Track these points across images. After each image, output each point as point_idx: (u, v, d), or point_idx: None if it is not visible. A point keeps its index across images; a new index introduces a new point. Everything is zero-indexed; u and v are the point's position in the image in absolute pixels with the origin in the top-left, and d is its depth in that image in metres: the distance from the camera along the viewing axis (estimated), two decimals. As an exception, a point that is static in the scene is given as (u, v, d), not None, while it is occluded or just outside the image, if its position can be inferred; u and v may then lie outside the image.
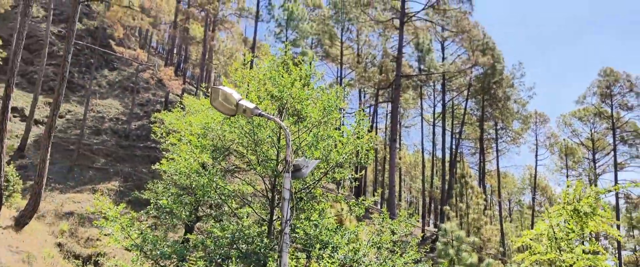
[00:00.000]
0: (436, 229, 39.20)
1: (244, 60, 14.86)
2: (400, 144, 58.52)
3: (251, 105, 5.96)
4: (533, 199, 53.99)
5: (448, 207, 32.47)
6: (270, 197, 11.85)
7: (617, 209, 45.86)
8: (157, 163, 13.43)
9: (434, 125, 51.38)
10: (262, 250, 10.57)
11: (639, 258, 47.19)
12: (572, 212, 5.09)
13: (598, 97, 47.79)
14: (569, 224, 5.25)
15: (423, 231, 40.06)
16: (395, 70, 38.08)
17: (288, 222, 5.53)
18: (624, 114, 47.46)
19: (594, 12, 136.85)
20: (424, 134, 55.09)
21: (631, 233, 50.04)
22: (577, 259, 5.20)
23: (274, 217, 11.47)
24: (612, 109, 47.16)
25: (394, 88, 38.53)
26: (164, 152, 15.96)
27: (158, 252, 10.68)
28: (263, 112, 6.12)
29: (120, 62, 41.85)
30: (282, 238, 5.53)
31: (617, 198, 45.93)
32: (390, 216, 13.78)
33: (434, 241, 32.73)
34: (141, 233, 10.89)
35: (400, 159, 55.01)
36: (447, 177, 44.49)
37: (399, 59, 38.00)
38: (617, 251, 45.06)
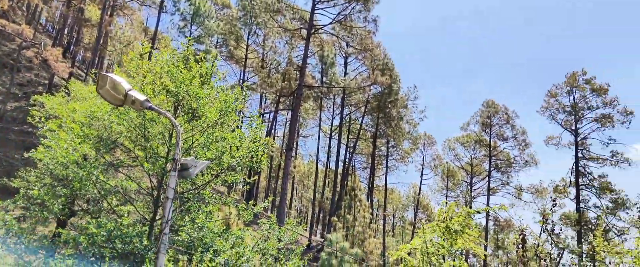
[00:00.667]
0: (323, 239, 39.94)
1: (142, 50, 14.19)
2: (296, 152, 59.13)
3: (141, 97, 5.68)
4: (415, 215, 57.10)
5: (336, 218, 33.22)
6: (155, 196, 11.38)
7: (486, 230, 49.88)
8: (33, 150, 12.36)
9: (330, 138, 52.58)
10: (140, 251, 10.09)
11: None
12: (444, 229, 5.45)
13: (480, 125, 51.85)
14: (441, 240, 5.60)
15: (310, 240, 40.63)
16: (298, 80, 38.52)
17: (169, 222, 5.33)
18: (500, 144, 51.91)
19: (479, 54, 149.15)
20: (320, 145, 56.17)
21: (496, 253, 54.58)
22: (446, 274, 5.55)
23: (157, 217, 11.01)
24: (490, 138, 51.34)
25: (295, 97, 38.92)
26: (42, 139, 14.72)
27: (23, 246, 9.80)
28: (154, 106, 5.86)
29: (1, 36, 38.12)
30: (161, 239, 5.31)
31: (487, 220, 49.95)
32: (279, 223, 13.82)
33: (320, 250, 33.33)
34: (4, 224, 9.93)
35: (294, 167, 55.57)
36: (338, 189, 45.64)
37: (302, 69, 38.49)
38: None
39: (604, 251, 6.40)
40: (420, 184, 55.83)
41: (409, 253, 5.79)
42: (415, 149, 55.11)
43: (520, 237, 6.85)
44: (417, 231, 5.79)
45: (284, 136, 56.58)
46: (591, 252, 6.46)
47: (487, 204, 49.56)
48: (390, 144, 51.99)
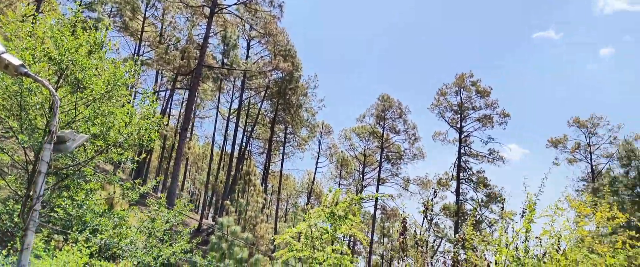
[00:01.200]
0: (214, 223, 39.37)
1: (25, 12, 12.95)
2: (191, 134, 57.57)
3: (16, 62, 5.19)
4: (307, 202, 58.15)
5: (229, 202, 32.87)
6: (30, 171, 10.51)
7: (374, 218, 52.19)
8: None
9: (228, 121, 51.81)
10: (10, 229, 9.30)
11: (384, 261, 54.25)
12: (329, 215, 5.61)
13: (374, 118, 53.87)
14: (325, 225, 5.77)
15: (200, 223, 39.91)
16: (198, 59, 37.41)
17: (40, 198, 4.95)
18: (392, 136, 54.38)
19: (380, 46, 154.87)
20: (218, 127, 55.29)
21: (382, 240, 57.31)
22: (327, 258, 5.73)
23: (31, 193, 10.18)
24: (383, 131, 53.57)
25: (194, 76, 37.78)
26: None
27: None
28: (30, 73, 5.38)
29: None
30: (30, 216, 4.92)
31: (376, 209, 52.24)
32: (169, 204, 13.42)
33: (210, 233, 32.85)
34: None
35: (189, 149, 54.05)
36: (232, 173, 45.18)
37: (203, 48, 37.41)
38: (368, 254, 51.19)
39: (472, 239, 6.97)
40: (315, 171, 56.99)
41: (296, 238, 5.91)
42: (313, 137, 56.03)
43: (402, 224, 7.27)
44: (304, 216, 5.91)
45: (179, 116, 54.79)
46: (461, 241, 7.03)
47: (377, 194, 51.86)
48: (288, 131, 52.36)
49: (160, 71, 48.48)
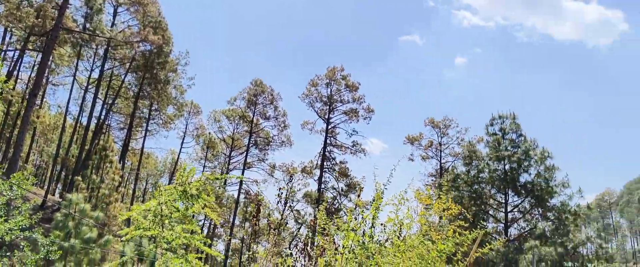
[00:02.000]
0: (61, 199, 36.31)
1: None
2: (42, 101, 52.29)
3: None
4: (169, 182, 56.15)
5: (80, 178, 30.53)
6: None
7: (237, 202, 52.09)
8: None
9: (86, 90, 47.87)
10: None
11: (244, 245, 54.39)
12: (181, 193, 5.43)
13: (246, 102, 53.51)
14: (177, 203, 5.57)
15: (45, 198, 36.57)
16: (56, 20, 33.99)
17: None
18: (262, 122, 54.54)
19: (257, 30, 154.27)
20: (74, 97, 50.83)
21: (243, 225, 57.38)
22: (176, 237, 5.55)
23: None
24: (254, 115, 53.49)
25: (49, 38, 34.26)
26: None
27: None
28: None
29: None
30: None
31: (239, 192, 52.12)
32: (7, 175, 12.06)
33: (56, 211, 30.26)
34: None
35: (38, 117, 49.10)
36: (87, 147, 41.98)
37: (62, 9, 34.07)
38: (228, 238, 51.02)
39: (324, 225, 7.26)
40: (180, 151, 55.19)
41: (141, 213, 5.63)
42: (180, 116, 54.09)
43: (256, 206, 7.32)
44: (155, 193, 5.65)
45: (29, 81, 49.40)
46: (313, 225, 7.28)
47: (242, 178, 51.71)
48: (153, 108, 49.90)
49: (9, 28, 43.13)
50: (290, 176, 49.97)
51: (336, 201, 47.14)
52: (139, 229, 5.67)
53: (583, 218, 33.43)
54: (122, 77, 46.16)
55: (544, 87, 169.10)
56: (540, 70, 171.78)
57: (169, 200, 5.55)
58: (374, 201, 7.16)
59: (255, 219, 7.02)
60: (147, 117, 50.13)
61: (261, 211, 7.38)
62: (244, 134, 55.33)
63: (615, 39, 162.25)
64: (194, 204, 5.68)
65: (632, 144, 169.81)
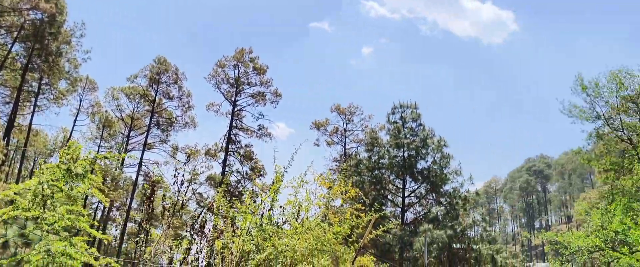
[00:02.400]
0: None
1: None
2: None
3: None
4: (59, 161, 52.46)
5: (-46, 155, 27.72)
6: None
7: (135, 184, 49.94)
8: None
9: (-36, 59, 43.12)
10: None
11: (142, 228, 52.42)
12: (65, 172, 5.07)
13: (148, 80, 51.11)
14: (61, 182, 5.20)
15: None
16: None
17: None
18: (165, 102, 52.45)
19: (162, 7, 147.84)
20: (-51, 65, 45.53)
21: (141, 208, 55.15)
22: (59, 218, 5.18)
23: None
24: (156, 95, 51.30)
25: None
26: None
27: None
28: None
29: None
30: None
31: (138, 174, 49.95)
32: None
33: None
34: None
35: None
36: (-36, 122, 38.00)
37: None
38: (124, 221, 48.88)
39: (221, 207, 7.16)
40: (72, 129, 51.64)
41: (20, 193, 5.19)
42: (73, 92, 50.39)
43: (151, 188, 7.03)
44: (36, 172, 5.23)
45: None
46: (211, 207, 7.15)
47: (141, 159, 49.62)
48: (43, 81, 46.08)
49: None
50: (188, 156, 48.64)
51: (240, 184, 46.75)
52: (17, 209, 5.23)
53: (472, 203, 35.92)
54: (9, 46, 42.10)
55: (443, 80, 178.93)
56: (440, 63, 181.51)
57: (50, 179, 5.16)
58: (274, 183, 7.16)
59: (149, 200, 6.75)
60: (36, 91, 46.24)
61: (157, 192, 7.10)
62: (145, 113, 52.90)
63: (505, 38, 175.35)
64: (80, 184, 5.33)
65: (517, 136, 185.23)
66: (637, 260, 11.92)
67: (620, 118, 27.56)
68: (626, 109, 27.35)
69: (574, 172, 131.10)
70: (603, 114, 27.58)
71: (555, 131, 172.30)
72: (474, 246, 31.33)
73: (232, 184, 47.22)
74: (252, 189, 8.52)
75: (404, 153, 34.36)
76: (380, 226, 7.64)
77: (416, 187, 34.99)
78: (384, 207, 33.89)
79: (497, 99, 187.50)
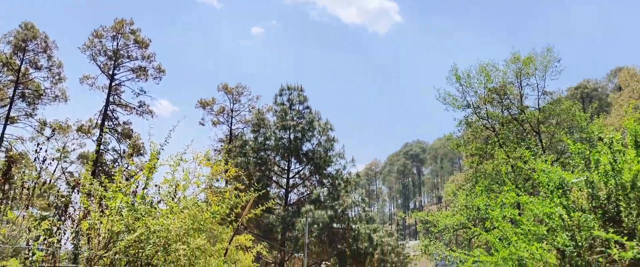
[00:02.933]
0: None
1: None
2: None
3: None
4: None
5: None
6: None
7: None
8: None
9: None
10: None
11: None
12: None
13: (12, 47, 46.11)
14: None
15: None
16: None
17: None
18: (32, 72, 47.72)
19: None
20: None
21: (2, 187, 50.05)
22: None
23: None
24: (22, 64, 46.50)
25: None
26: None
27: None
28: None
29: None
30: None
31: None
32: None
33: None
34: None
35: None
36: None
37: None
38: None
39: (89, 185, 6.67)
40: None
41: None
42: None
43: (6, 164, 6.34)
44: None
45: None
46: (76, 185, 6.63)
47: (3, 133, 44.84)
48: None
49: None
50: (53, 131, 44.76)
51: (117, 163, 44.18)
52: None
53: (353, 185, 37.37)
54: None
55: (330, 64, 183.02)
56: (328, 48, 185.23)
57: None
58: (149, 161, 6.81)
59: (4, 178, 6.06)
60: None
61: (17, 169, 6.43)
62: (8, 84, 47.72)
63: (389, 28, 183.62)
64: None
65: (396, 122, 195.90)
66: (494, 236, 13.18)
67: (486, 108, 30.19)
68: (491, 100, 30.03)
69: (446, 157, 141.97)
70: (472, 103, 29.98)
71: (432, 118, 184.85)
72: (353, 226, 32.70)
73: (108, 163, 44.51)
74: (126, 167, 8.05)
75: (290, 135, 34.71)
76: (260, 205, 7.64)
77: (301, 168, 35.61)
78: (268, 188, 34.09)
79: (380, 85, 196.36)
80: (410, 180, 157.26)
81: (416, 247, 35.06)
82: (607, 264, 10.49)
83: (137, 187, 6.78)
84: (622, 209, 10.52)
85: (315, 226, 29.51)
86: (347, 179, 34.89)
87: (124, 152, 45.34)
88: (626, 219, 10.49)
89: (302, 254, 28.20)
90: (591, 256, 10.72)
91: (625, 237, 10.12)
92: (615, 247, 10.20)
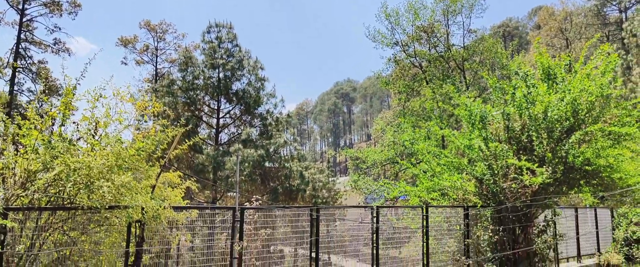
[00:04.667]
0: None
1: None
2: None
3: None
4: None
5: None
6: None
7: None
8: None
9: None
10: None
11: None
12: None
13: None
14: None
15: None
16: None
17: None
18: None
19: None
20: None
21: None
22: None
23: None
24: None
25: None
26: None
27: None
28: None
29: None
30: None
31: None
32: None
33: None
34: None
35: None
36: None
37: None
38: None
39: None
40: None
41: None
42: None
43: None
44: None
45: None
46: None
47: None
48: None
49: None
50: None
51: (33, 104, 41.51)
52: None
53: (284, 124, 37.43)
54: None
55: (259, 3, 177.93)
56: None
57: None
58: (64, 96, 6.42)
59: None
60: None
61: None
62: None
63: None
64: None
65: (327, 61, 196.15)
66: (419, 169, 13.82)
67: (414, 46, 30.75)
68: (419, 38, 30.57)
69: (375, 96, 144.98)
70: (400, 41, 30.41)
71: (362, 58, 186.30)
72: (286, 164, 33.06)
73: (23, 104, 41.76)
74: (41, 105, 7.58)
75: (219, 74, 33.85)
76: (187, 140, 7.48)
77: (231, 108, 35.06)
78: (198, 129, 33.50)
79: (312, 25, 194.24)
80: (340, 119, 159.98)
81: (346, 183, 36.19)
82: (519, 190, 11.37)
83: (53, 124, 6.42)
84: (534, 138, 11.31)
85: (246, 164, 29.58)
86: (278, 118, 34.87)
87: (41, 93, 42.59)
88: (537, 148, 11.31)
89: (235, 193, 28.36)
90: (505, 183, 11.55)
91: (536, 164, 10.96)
92: (527, 173, 11.05)
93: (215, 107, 34.66)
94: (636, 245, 18.48)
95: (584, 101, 10.81)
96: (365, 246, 10.53)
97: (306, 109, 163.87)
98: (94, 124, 6.59)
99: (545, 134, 11.20)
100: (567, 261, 16.62)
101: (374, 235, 10.04)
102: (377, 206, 10.35)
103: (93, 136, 6.57)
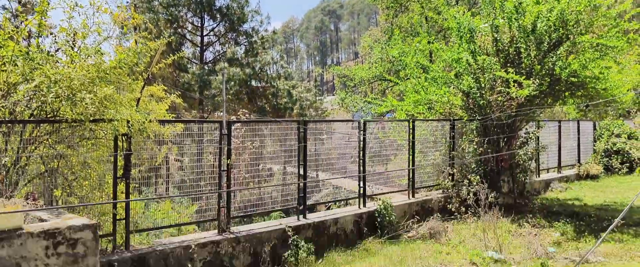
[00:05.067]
0: None
1: None
2: None
3: None
4: None
5: None
6: None
7: None
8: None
9: None
10: None
11: None
12: None
13: None
14: None
15: None
16: None
17: None
18: None
19: None
20: None
21: None
22: None
23: None
24: None
25: None
26: None
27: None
28: None
29: None
30: None
31: None
32: None
33: None
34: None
35: None
36: None
37: None
38: None
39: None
40: None
41: None
42: None
43: None
44: None
45: None
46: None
47: None
48: None
49: None
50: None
51: (7, 13, 40.03)
52: None
53: (270, 42, 36.73)
54: None
55: None
56: None
57: None
58: (39, 4, 6.13)
59: None
60: None
61: None
62: None
63: None
64: None
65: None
66: (407, 84, 13.78)
67: (404, -42, 29.54)
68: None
69: (362, 12, 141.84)
70: (390, -47, 29.16)
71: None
72: (273, 83, 32.83)
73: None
74: (16, 16, 7.27)
75: (201, -11, 32.62)
76: (171, 55, 7.29)
77: (215, 25, 34.16)
78: (182, 48, 32.78)
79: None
80: (327, 37, 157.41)
81: (334, 102, 36.24)
82: (505, 102, 11.45)
83: (30, 36, 6.17)
84: (522, 50, 11.23)
85: (233, 83, 29.34)
86: (263, 36, 34.16)
87: (17, 11, 40.93)
88: (525, 60, 11.26)
89: (222, 112, 28.31)
90: (492, 96, 11.61)
91: (523, 77, 10.97)
92: (514, 86, 11.08)
93: (199, 25, 33.74)
94: (615, 156, 19.05)
95: (573, 11, 10.65)
96: (352, 164, 10.71)
97: (292, 27, 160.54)
98: (72, 35, 6.35)
99: (534, 46, 11.11)
100: (547, 172, 17.16)
101: (361, 146, 10.18)
102: (364, 121, 10.42)
103: (72, 48, 6.36)
